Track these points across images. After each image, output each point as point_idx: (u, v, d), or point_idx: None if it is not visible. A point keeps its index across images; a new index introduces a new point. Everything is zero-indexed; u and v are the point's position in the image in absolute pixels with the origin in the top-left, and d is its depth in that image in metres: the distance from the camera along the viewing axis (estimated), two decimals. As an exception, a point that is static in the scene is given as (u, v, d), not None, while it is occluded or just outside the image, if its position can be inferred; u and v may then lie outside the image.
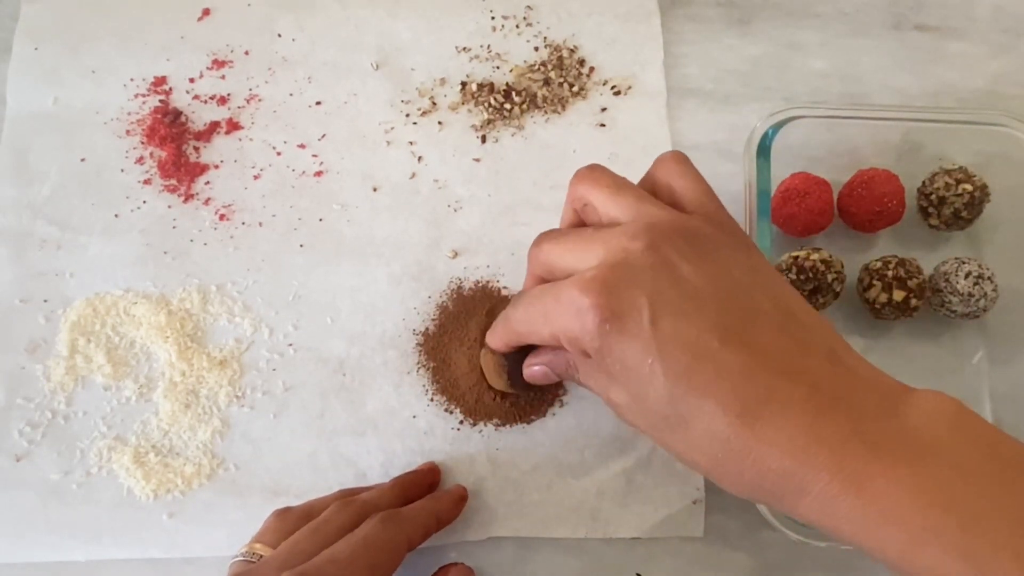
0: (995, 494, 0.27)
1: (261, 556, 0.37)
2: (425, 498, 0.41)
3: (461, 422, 0.45)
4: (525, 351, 0.39)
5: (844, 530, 0.29)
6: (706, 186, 0.35)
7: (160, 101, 0.51)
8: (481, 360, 0.43)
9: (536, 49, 0.52)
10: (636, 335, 0.30)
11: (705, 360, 0.30)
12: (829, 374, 0.30)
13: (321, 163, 0.50)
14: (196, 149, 0.50)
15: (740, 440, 0.29)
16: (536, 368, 0.38)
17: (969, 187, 0.45)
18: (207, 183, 0.49)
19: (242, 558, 0.37)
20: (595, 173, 0.35)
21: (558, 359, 0.37)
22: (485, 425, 0.44)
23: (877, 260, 0.45)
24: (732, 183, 0.47)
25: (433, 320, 0.46)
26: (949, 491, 0.27)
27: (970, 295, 0.43)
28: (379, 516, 0.37)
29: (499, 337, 0.38)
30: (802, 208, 0.45)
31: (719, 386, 0.29)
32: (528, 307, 0.34)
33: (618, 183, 0.34)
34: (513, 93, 0.50)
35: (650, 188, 0.35)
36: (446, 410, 0.45)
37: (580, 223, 0.37)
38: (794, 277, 0.43)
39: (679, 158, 0.35)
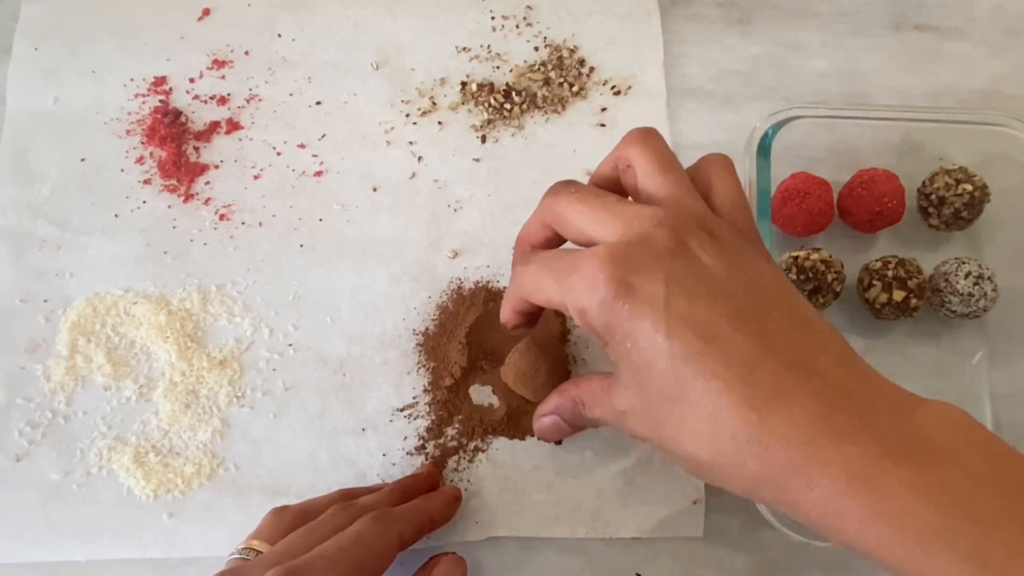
0: (1007, 501, 0.27)
1: (258, 552, 0.37)
2: (419, 498, 0.41)
3: (461, 422, 0.45)
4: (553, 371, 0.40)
5: (848, 529, 0.28)
6: (743, 196, 0.35)
7: (160, 101, 0.51)
8: (506, 364, 0.43)
9: (536, 49, 0.52)
10: (648, 312, 0.30)
11: (715, 343, 0.29)
12: (840, 373, 0.30)
13: (321, 163, 0.50)
14: (196, 149, 0.50)
15: (746, 428, 0.29)
16: (546, 420, 0.39)
17: (969, 187, 0.45)
18: (207, 183, 0.49)
19: (238, 555, 0.37)
20: (650, 141, 0.35)
21: (564, 401, 0.37)
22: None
23: (877, 260, 0.45)
24: (732, 183, 0.48)
25: (433, 320, 0.46)
26: (960, 495, 0.27)
27: (970, 295, 0.43)
28: (371, 515, 0.37)
29: (508, 302, 0.37)
30: (802, 208, 0.45)
31: (727, 371, 0.29)
32: (542, 267, 0.34)
33: (668, 160, 0.34)
34: (513, 93, 0.50)
35: (690, 179, 0.35)
36: (446, 410, 0.45)
37: (615, 179, 0.36)
38: (794, 277, 0.43)
39: (726, 163, 0.35)
